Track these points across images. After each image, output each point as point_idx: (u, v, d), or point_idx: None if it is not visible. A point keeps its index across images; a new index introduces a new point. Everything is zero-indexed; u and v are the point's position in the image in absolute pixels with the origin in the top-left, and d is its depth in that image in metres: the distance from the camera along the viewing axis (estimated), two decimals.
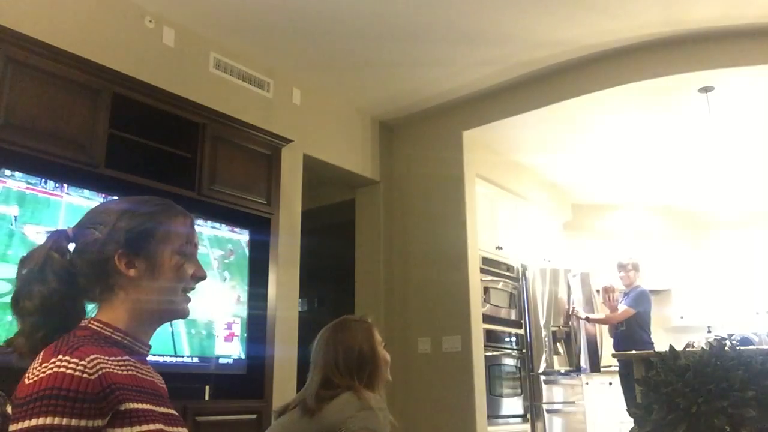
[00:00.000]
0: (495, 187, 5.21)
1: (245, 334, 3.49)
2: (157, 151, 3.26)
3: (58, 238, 1.06)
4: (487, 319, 4.70)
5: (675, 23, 3.85)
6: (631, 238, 6.53)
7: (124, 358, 1.01)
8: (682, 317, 6.62)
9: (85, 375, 0.90)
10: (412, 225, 4.93)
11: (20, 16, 2.93)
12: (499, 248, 5.08)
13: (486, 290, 4.81)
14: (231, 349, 3.38)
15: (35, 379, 0.90)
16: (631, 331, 4.97)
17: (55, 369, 0.89)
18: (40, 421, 0.85)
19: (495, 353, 4.73)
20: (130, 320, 1.04)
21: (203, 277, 1.13)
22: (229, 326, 3.45)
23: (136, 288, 1.04)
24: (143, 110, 3.21)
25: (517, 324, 5.12)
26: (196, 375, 3.24)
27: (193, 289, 1.13)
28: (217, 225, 3.51)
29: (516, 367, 4.96)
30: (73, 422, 0.86)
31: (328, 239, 5.49)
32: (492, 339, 4.74)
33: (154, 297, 1.06)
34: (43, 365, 0.91)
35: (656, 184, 6.12)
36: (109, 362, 0.95)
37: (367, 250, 5.00)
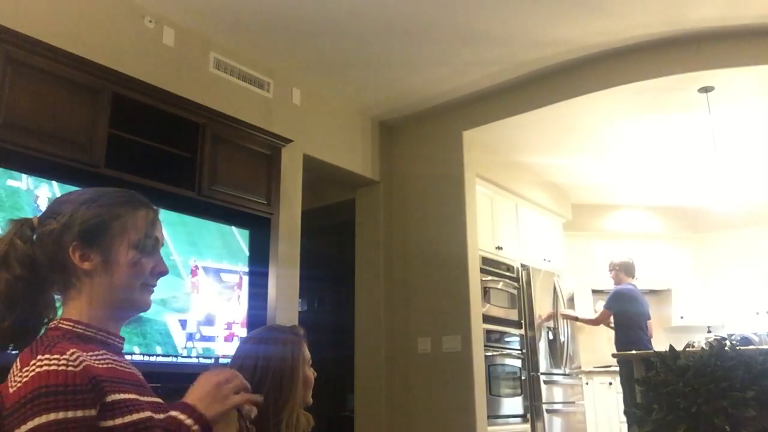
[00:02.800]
0: (495, 187, 5.21)
1: (246, 334, 3.49)
2: (157, 151, 3.26)
3: (22, 225, 1.04)
4: (487, 319, 4.70)
5: (675, 23, 3.85)
6: (631, 238, 6.53)
7: (101, 351, 1.00)
8: (682, 317, 6.63)
9: (70, 368, 0.89)
10: (412, 225, 4.93)
11: (20, 16, 2.93)
12: (499, 248, 5.08)
13: (486, 290, 4.81)
14: (231, 349, 3.38)
15: (20, 384, 0.88)
16: (620, 332, 4.97)
17: (39, 369, 0.88)
18: (43, 419, 0.84)
19: (495, 353, 4.73)
20: (94, 314, 1.03)
21: (164, 273, 1.11)
22: (229, 326, 3.45)
23: (91, 282, 1.03)
24: (143, 110, 3.21)
25: (517, 324, 5.12)
26: (196, 375, 3.23)
27: (154, 285, 1.10)
28: (216, 225, 3.51)
29: (516, 367, 4.96)
30: (70, 414, 0.86)
31: (328, 239, 5.50)
32: (492, 339, 4.74)
33: (109, 291, 1.04)
34: (24, 370, 0.89)
35: (656, 184, 6.12)
36: (88, 357, 0.94)
37: (367, 250, 5.00)
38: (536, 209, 5.78)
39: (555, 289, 5.51)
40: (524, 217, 5.57)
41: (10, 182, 2.67)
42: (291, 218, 4.15)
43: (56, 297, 1.06)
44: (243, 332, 3.49)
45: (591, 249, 6.40)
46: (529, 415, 4.94)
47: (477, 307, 4.58)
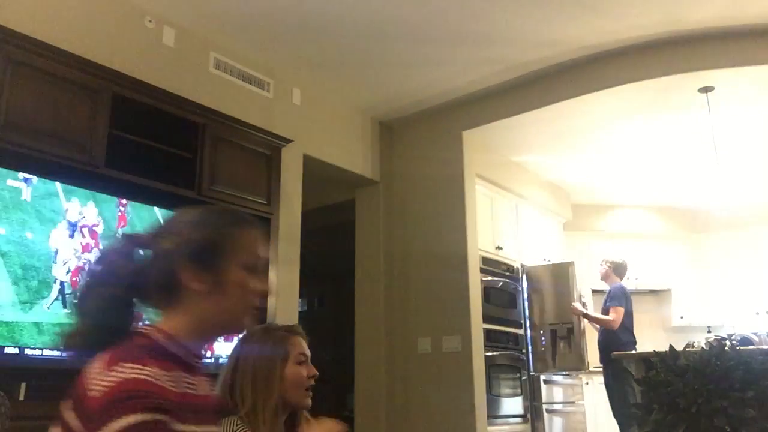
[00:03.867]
0: (495, 187, 5.21)
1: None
2: (157, 151, 3.26)
3: (129, 242, 1.05)
4: (487, 319, 4.69)
5: (675, 23, 3.85)
6: (631, 238, 6.53)
7: (179, 373, 0.98)
8: (682, 317, 6.62)
9: (158, 382, 0.89)
10: (412, 225, 4.93)
11: (20, 16, 2.93)
12: (499, 248, 5.08)
13: (486, 290, 4.80)
14: (231, 349, 3.37)
15: (106, 388, 0.87)
16: (620, 332, 4.74)
17: (127, 375, 0.87)
18: (131, 418, 0.83)
19: (495, 353, 4.73)
20: (191, 332, 1.02)
21: (266, 293, 1.10)
22: None
23: (199, 302, 1.02)
24: (143, 110, 3.21)
25: (517, 324, 5.11)
26: None
27: (257, 306, 1.09)
28: None
29: (516, 367, 4.96)
30: (158, 416, 0.85)
31: (328, 239, 5.49)
32: (492, 339, 4.73)
33: (217, 312, 1.03)
34: (111, 374, 0.88)
35: (656, 184, 6.12)
36: (165, 378, 0.92)
37: (367, 250, 5.00)
38: (536, 209, 5.78)
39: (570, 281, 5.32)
40: (524, 217, 5.57)
41: (11, 182, 2.67)
42: (291, 218, 4.15)
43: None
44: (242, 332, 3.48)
45: (591, 249, 6.40)
46: (529, 415, 4.94)
47: (477, 307, 4.58)
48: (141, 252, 1.04)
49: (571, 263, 5.31)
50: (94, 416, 0.85)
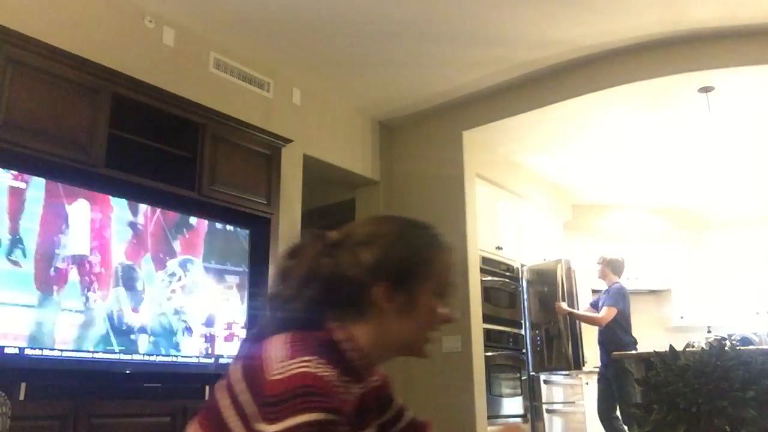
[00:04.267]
0: (495, 187, 5.21)
1: (245, 334, 3.49)
2: (157, 151, 3.26)
3: (323, 243, 1.02)
4: (487, 319, 4.69)
5: (675, 23, 3.85)
6: (631, 238, 6.53)
7: (348, 382, 0.95)
8: (682, 317, 6.62)
9: (337, 385, 0.87)
10: None
11: (20, 16, 2.93)
12: (499, 248, 5.08)
13: (486, 290, 4.80)
14: (231, 349, 3.38)
15: (283, 376, 0.86)
16: (619, 331, 4.71)
17: (311, 370, 0.86)
18: (311, 417, 0.82)
19: (495, 353, 4.73)
20: (371, 347, 0.99)
21: (452, 321, 1.08)
22: (229, 326, 3.45)
23: (385, 319, 0.99)
24: (143, 110, 3.21)
25: (516, 324, 5.11)
26: (196, 375, 3.24)
27: (437, 331, 1.07)
28: (217, 225, 3.51)
29: (516, 367, 4.96)
30: (334, 417, 0.84)
31: None
32: (492, 339, 4.73)
33: (400, 333, 1.01)
34: (296, 364, 0.87)
35: (656, 184, 6.12)
36: (339, 382, 0.91)
37: None
38: (536, 209, 5.77)
39: (563, 279, 5.30)
40: (524, 217, 5.57)
41: (11, 182, 2.67)
42: (291, 218, 4.15)
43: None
44: (243, 332, 3.49)
45: (591, 249, 6.40)
46: (529, 415, 4.94)
47: (477, 307, 4.58)
48: (332, 255, 1.01)
49: (558, 261, 5.29)
50: (273, 402, 0.85)
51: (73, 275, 2.82)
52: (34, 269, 2.68)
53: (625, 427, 4.39)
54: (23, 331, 2.61)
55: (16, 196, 2.67)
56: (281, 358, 0.89)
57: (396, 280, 0.99)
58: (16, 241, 2.64)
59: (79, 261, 2.85)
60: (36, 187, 2.75)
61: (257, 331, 1.01)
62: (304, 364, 0.87)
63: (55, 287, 2.75)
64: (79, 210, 2.90)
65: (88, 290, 2.87)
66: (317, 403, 0.83)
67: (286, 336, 0.93)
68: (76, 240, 2.86)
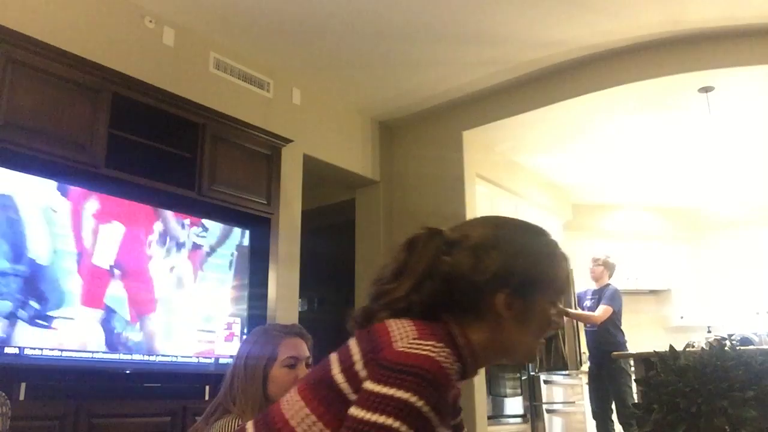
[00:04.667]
0: (495, 187, 5.21)
1: (245, 334, 3.49)
2: (157, 151, 3.26)
3: (442, 240, 1.02)
4: None
5: (675, 23, 3.85)
6: (631, 238, 6.52)
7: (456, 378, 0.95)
8: (682, 317, 6.62)
9: (450, 380, 0.87)
10: (412, 225, 4.84)
11: (20, 16, 2.93)
12: None
13: None
14: (231, 349, 3.38)
15: (405, 351, 0.86)
16: (605, 331, 4.72)
17: (435, 355, 0.86)
18: (404, 395, 0.82)
19: None
20: (479, 349, 0.99)
21: (557, 329, 1.08)
22: (229, 326, 3.45)
23: (499, 325, 0.99)
24: (143, 110, 3.21)
25: None
26: (196, 375, 3.24)
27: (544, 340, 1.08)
28: (217, 225, 3.51)
29: (516, 367, 4.96)
30: (429, 412, 0.83)
31: (328, 239, 5.49)
32: None
33: (511, 339, 1.00)
34: (422, 343, 0.87)
35: (656, 184, 6.12)
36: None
37: (367, 250, 5.00)
38: (536, 209, 5.77)
39: None
40: (524, 217, 5.53)
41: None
42: (291, 218, 4.15)
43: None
44: (243, 332, 3.49)
45: (591, 249, 6.39)
46: (529, 415, 4.94)
47: None
48: (451, 255, 1.00)
49: None
50: (386, 366, 0.85)
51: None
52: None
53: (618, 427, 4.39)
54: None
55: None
56: (410, 335, 0.89)
57: (517, 289, 0.99)
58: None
59: (80, 261, 2.85)
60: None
61: (363, 314, 1.03)
62: (433, 349, 0.87)
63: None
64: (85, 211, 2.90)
65: (88, 290, 2.87)
66: (425, 391, 0.83)
67: (406, 320, 0.94)
68: (76, 240, 2.86)
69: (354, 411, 0.84)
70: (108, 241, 2.99)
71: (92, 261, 2.91)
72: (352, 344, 0.95)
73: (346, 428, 0.84)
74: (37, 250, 2.70)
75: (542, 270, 1.02)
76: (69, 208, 2.86)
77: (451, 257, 1.00)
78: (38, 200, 2.75)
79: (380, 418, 0.81)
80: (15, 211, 2.66)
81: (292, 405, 0.92)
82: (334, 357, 0.95)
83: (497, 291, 0.97)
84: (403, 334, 0.90)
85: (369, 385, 0.85)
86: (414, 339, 0.89)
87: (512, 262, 0.99)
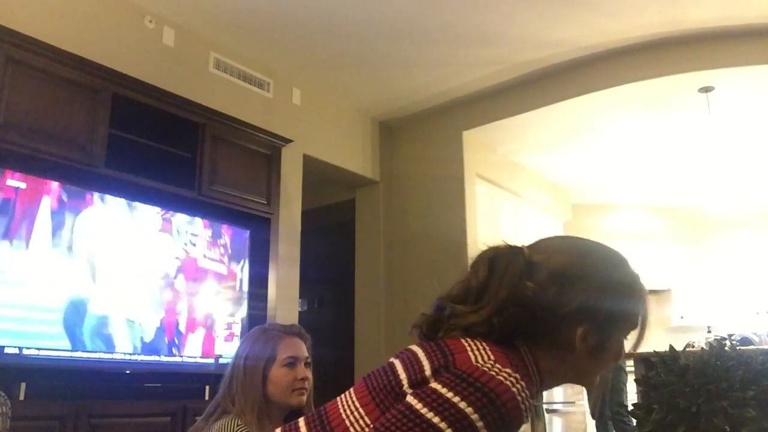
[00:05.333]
0: (495, 187, 5.20)
1: (245, 334, 3.49)
2: (157, 151, 3.26)
3: (527, 261, 0.98)
4: None
5: (675, 23, 3.85)
6: (631, 238, 6.52)
7: None
8: (682, 317, 6.62)
9: (515, 407, 0.86)
10: (412, 225, 4.92)
11: (20, 16, 2.93)
12: None
13: None
14: (231, 349, 3.38)
15: (482, 368, 0.85)
16: None
17: (501, 378, 0.85)
18: (466, 408, 0.81)
19: None
20: (548, 375, 0.98)
21: (617, 361, 1.06)
22: (229, 326, 3.45)
23: (571, 355, 0.97)
24: (143, 110, 3.21)
25: None
26: (196, 375, 3.24)
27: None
28: (217, 224, 3.51)
29: None
30: (479, 427, 0.82)
31: (328, 239, 5.49)
32: None
33: (579, 369, 0.99)
34: (496, 365, 0.86)
35: (656, 184, 6.12)
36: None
37: (367, 250, 5.00)
38: (536, 209, 5.77)
39: None
40: (524, 217, 5.56)
41: (10, 182, 2.67)
42: (291, 218, 4.15)
43: None
44: (243, 332, 3.49)
45: None
46: (528, 415, 4.93)
47: None
48: (533, 280, 0.96)
49: None
50: (457, 374, 0.84)
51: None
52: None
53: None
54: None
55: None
56: (486, 357, 0.87)
57: (597, 326, 0.96)
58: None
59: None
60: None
61: (430, 325, 1.01)
62: (509, 377, 0.85)
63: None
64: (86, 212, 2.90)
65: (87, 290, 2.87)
66: (488, 414, 0.82)
67: (480, 341, 0.91)
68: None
69: (411, 400, 0.83)
70: (106, 241, 2.99)
71: (91, 260, 2.91)
72: (421, 356, 0.91)
73: (398, 411, 0.83)
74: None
75: (625, 309, 0.99)
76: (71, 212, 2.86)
77: (534, 282, 0.96)
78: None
79: (434, 418, 0.81)
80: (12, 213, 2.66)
81: (352, 411, 0.90)
82: (399, 366, 0.92)
83: (578, 325, 0.95)
84: (478, 355, 0.88)
85: (435, 385, 0.84)
86: (489, 361, 0.86)
87: (597, 298, 0.96)
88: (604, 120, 4.75)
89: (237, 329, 3.47)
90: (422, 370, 0.89)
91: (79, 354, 2.78)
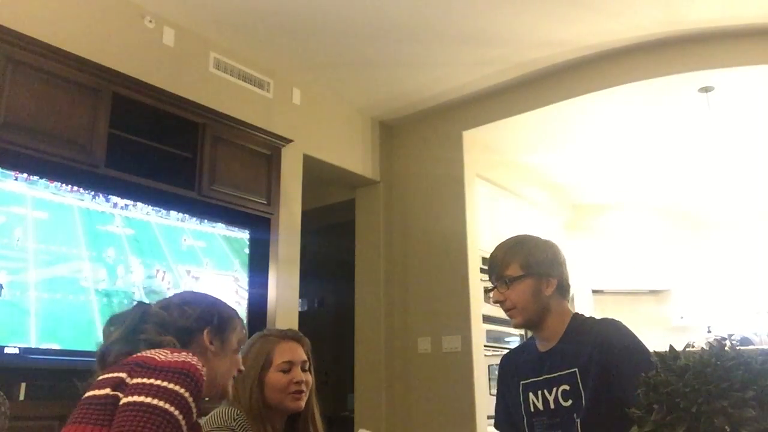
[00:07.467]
0: (495, 187, 5.20)
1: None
2: (157, 151, 3.27)
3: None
4: (487, 319, 4.69)
5: (675, 23, 3.85)
6: (631, 238, 6.52)
7: None
8: (682, 317, 6.62)
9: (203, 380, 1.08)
10: (412, 225, 4.93)
11: (20, 16, 2.92)
12: None
13: (486, 290, 4.79)
14: None
15: (169, 360, 1.06)
16: None
17: (190, 360, 1.07)
18: (176, 387, 1.01)
19: (495, 353, 4.73)
20: None
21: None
22: None
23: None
24: (143, 110, 3.21)
25: None
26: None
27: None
28: (217, 225, 3.51)
29: None
30: (190, 399, 1.02)
31: (328, 239, 5.49)
32: (492, 339, 4.73)
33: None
34: (174, 354, 1.08)
35: (656, 184, 6.12)
36: None
37: (367, 250, 5.00)
38: (536, 209, 5.77)
39: None
40: (524, 217, 5.56)
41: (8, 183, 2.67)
42: (291, 218, 4.15)
43: None
44: None
45: (591, 249, 6.40)
46: None
47: (477, 307, 4.58)
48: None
49: None
50: (152, 369, 1.04)
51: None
52: None
53: None
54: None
55: None
56: (165, 352, 1.13)
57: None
58: None
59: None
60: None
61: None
62: (186, 357, 1.10)
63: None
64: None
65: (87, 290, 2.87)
66: (188, 384, 1.05)
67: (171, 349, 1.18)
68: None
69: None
70: (106, 242, 2.99)
71: (90, 260, 2.90)
72: (116, 374, 1.14)
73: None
74: None
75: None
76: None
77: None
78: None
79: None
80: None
81: None
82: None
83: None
84: (159, 352, 1.13)
85: (136, 380, 1.07)
86: (167, 353, 1.12)
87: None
88: (604, 120, 4.75)
89: None
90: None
91: (79, 354, 2.77)
